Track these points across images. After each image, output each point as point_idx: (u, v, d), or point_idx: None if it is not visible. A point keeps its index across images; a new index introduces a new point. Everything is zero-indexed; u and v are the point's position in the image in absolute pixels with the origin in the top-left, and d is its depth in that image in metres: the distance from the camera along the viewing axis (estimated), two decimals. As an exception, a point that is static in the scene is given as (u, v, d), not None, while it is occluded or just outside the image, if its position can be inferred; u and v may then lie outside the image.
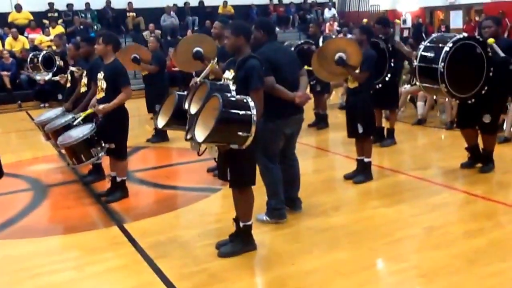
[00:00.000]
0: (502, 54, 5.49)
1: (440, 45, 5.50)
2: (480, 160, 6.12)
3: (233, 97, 3.77)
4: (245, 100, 3.68)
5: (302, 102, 4.47)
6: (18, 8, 16.60)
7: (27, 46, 15.23)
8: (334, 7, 21.94)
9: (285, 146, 4.78)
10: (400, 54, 7.23)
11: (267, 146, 4.59)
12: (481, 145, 6.14)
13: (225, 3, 19.44)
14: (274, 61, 4.49)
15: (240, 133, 3.59)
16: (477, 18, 17.68)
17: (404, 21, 19.79)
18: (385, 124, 7.68)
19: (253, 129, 3.62)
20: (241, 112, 3.59)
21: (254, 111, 3.63)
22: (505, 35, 15.70)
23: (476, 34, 8.83)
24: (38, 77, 13.28)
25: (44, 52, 11.86)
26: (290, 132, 4.72)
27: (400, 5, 20.57)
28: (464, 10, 19.06)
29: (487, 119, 5.81)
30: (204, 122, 3.67)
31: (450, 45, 5.41)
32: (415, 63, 5.72)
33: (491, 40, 5.47)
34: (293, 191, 4.98)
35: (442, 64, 5.36)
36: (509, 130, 7.38)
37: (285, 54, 4.81)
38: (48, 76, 12.64)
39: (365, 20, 9.27)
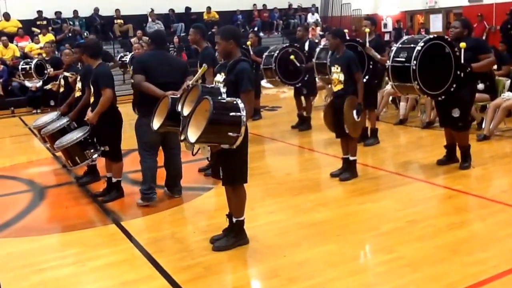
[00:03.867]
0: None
1: (412, 45, 5.72)
2: (454, 160, 6.32)
3: (224, 99, 3.84)
4: (235, 102, 3.75)
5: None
6: (7, 16, 16.58)
7: (18, 53, 15.28)
8: (317, 12, 22.16)
9: (164, 138, 5.27)
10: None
11: (142, 138, 5.25)
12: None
13: (208, 9, 19.53)
14: (145, 62, 5.27)
15: (230, 134, 3.68)
16: (456, 22, 17.89)
17: (385, 25, 20.11)
18: (368, 124, 7.87)
19: (243, 129, 3.72)
20: (231, 114, 3.67)
21: (243, 113, 3.70)
22: (484, 37, 16.09)
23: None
24: (29, 84, 13.56)
25: (36, 59, 11.96)
26: None
27: (381, 9, 20.84)
28: (444, 13, 19.25)
29: (456, 113, 5.98)
30: (196, 124, 3.75)
31: (422, 44, 5.64)
32: (388, 63, 5.89)
33: (462, 45, 5.71)
34: (175, 179, 5.65)
35: (415, 62, 5.56)
36: (488, 128, 7.57)
37: (162, 60, 5.33)
38: (39, 83, 12.76)
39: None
